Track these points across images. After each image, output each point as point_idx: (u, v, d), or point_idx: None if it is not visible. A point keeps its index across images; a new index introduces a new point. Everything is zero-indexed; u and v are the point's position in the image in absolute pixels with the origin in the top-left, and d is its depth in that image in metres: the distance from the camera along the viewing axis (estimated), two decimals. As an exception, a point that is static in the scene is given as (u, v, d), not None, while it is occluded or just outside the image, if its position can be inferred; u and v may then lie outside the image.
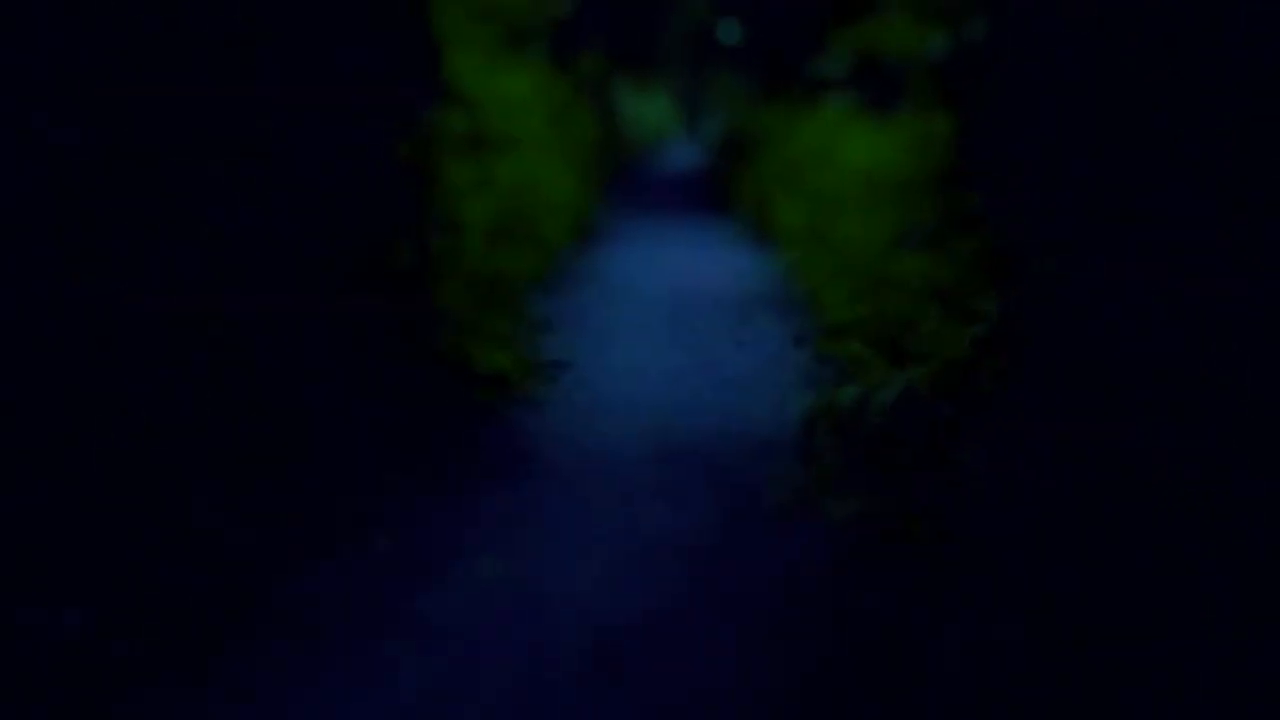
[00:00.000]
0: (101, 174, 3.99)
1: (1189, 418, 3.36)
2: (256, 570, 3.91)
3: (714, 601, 3.74)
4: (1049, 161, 4.19)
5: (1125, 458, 3.62)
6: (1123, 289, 3.63)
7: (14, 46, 3.70)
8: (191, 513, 4.07)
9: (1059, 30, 4.14)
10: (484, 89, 8.56)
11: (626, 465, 5.13)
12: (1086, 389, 3.84)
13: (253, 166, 4.67)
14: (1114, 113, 3.78)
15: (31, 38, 3.75)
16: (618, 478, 4.96)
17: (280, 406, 4.66)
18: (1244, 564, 3.13)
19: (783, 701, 3.12)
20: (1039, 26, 4.30)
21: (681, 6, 39.04)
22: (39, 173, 3.80)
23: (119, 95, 4.05)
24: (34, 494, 3.62)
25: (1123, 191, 3.72)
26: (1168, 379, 3.45)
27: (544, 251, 9.78)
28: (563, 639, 3.47)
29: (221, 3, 4.49)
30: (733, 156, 19.01)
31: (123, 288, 4.04)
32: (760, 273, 10.81)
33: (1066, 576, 3.74)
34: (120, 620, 3.51)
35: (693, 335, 7.90)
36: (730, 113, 23.54)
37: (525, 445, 5.40)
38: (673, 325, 8.23)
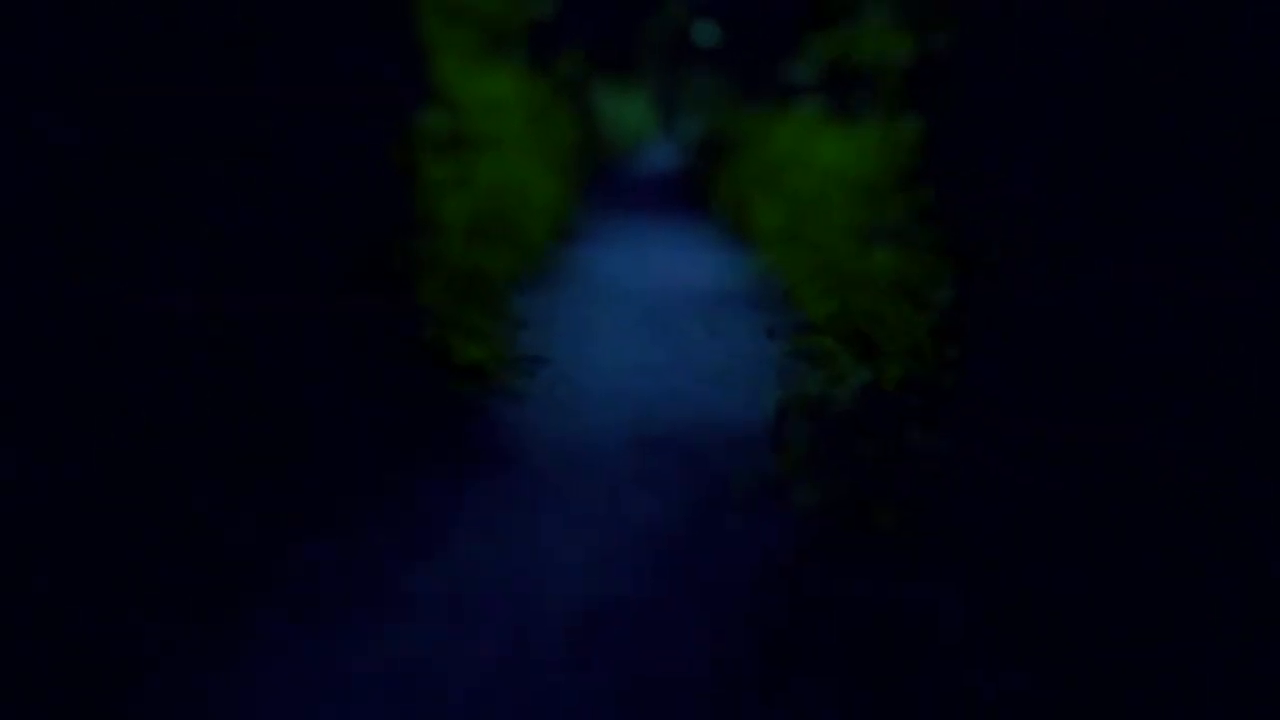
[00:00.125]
0: (101, 174, 4.05)
1: (1139, 403, 3.55)
2: (256, 554, 4.08)
3: (689, 584, 3.93)
4: (1006, 161, 4.38)
5: (1082, 443, 3.81)
6: (1072, 280, 3.82)
7: (14, 46, 3.70)
8: (192, 510, 4.20)
9: (1018, 43, 4.33)
10: (464, 91, 8.72)
11: (606, 455, 5.31)
12: (1037, 375, 4.03)
13: (252, 167, 4.75)
14: (1065, 117, 3.97)
15: (31, 38, 3.78)
16: (597, 468, 5.14)
17: (280, 405, 4.77)
18: (1200, 553, 3.31)
19: (742, 670, 3.32)
20: (1000, 39, 4.49)
21: (660, 9, 39.16)
22: (39, 173, 3.83)
23: (119, 95, 4.10)
24: (34, 494, 3.68)
25: (1071, 188, 3.91)
26: (1115, 364, 3.64)
27: (523, 250, 9.95)
28: (548, 610, 3.66)
29: (221, 3, 4.57)
30: (711, 158, 19.17)
31: (123, 288, 4.09)
32: (738, 272, 10.99)
33: (1024, 557, 3.93)
34: (120, 620, 3.67)
35: (671, 332, 8.08)
36: (708, 115, 23.70)
37: (507, 436, 5.57)
38: (651, 322, 8.41)
